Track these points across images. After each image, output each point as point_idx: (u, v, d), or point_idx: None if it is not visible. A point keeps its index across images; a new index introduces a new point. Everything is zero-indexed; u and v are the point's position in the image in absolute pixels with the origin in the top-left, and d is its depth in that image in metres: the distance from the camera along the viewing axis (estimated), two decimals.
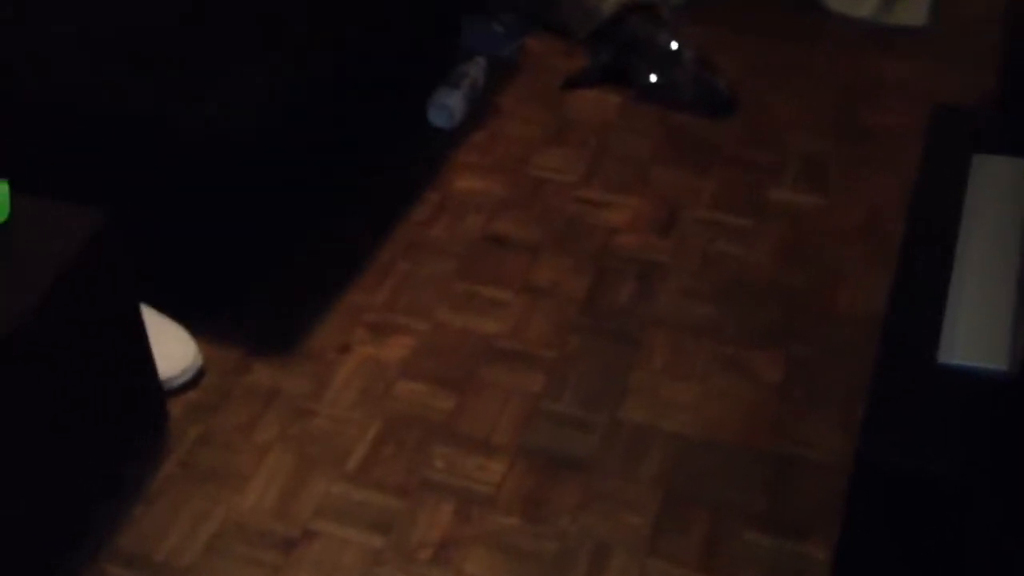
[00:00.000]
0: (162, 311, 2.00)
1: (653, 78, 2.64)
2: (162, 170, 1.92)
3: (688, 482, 1.79)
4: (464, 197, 2.40)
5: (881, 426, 1.31)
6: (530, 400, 1.93)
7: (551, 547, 1.70)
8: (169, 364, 1.92)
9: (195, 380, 1.96)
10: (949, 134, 1.86)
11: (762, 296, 2.14)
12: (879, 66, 2.79)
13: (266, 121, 1.96)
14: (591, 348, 2.03)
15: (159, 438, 1.86)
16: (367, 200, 2.37)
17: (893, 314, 1.45)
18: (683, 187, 2.41)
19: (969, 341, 1.36)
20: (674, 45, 2.63)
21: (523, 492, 1.78)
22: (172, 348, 1.93)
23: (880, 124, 2.59)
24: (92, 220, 1.63)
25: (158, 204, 1.95)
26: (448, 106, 2.57)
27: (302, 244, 2.26)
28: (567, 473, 1.81)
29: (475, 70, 2.67)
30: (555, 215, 2.34)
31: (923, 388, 1.34)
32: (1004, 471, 1.24)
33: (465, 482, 1.80)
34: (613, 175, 2.45)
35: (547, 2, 2.86)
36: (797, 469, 1.81)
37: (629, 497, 1.77)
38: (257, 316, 2.11)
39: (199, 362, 1.97)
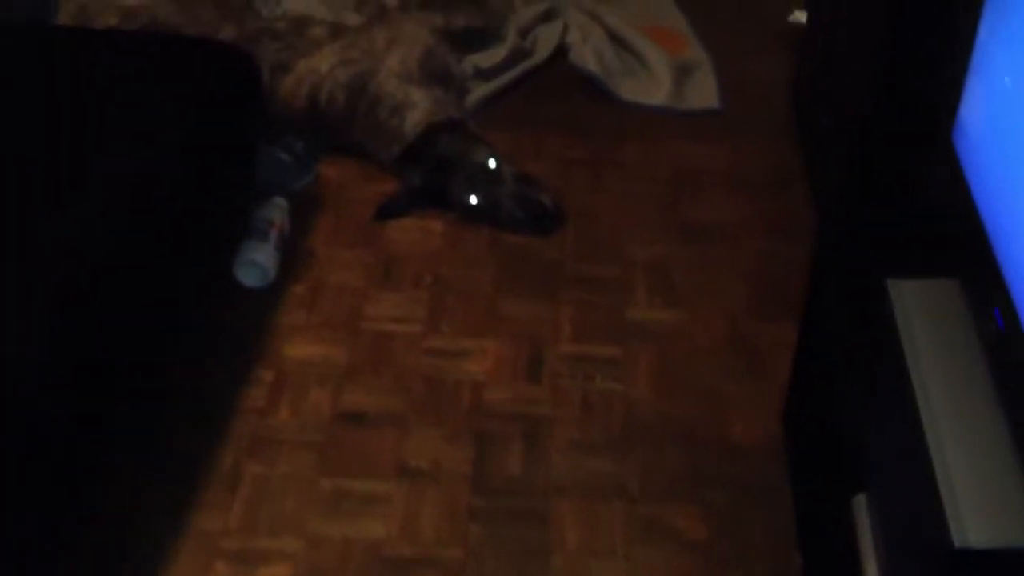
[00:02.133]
0: None
1: (473, 199, 2.44)
2: None
3: None
4: (301, 369, 2.11)
5: None
6: None
7: None
8: None
9: None
10: (831, 260, 1.78)
11: (656, 437, 1.98)
12: (688, 153, 2.72)
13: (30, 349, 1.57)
14: (496, 536, 1.80)
15: None
16: (187, 392, 2.04)
17: (881, 492, 1.32)
18: (537, 320, 2.23)
19: (983, 518, 1.25)
20: (491, 162, 2.45)
21: None
22: None
23: (707, 219, 2.51)
24: None
25: None
26: (259, 262, 2.27)
27: (120, 461, 1.89)
28: None
29: (279, 214, 2.38)
30: (410, 376, 2.10)
31: None
32: None
33: None
34: (459, 316, 2.24)
35: (340, 123, 2.61)
36: None
37: None
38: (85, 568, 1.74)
39: None
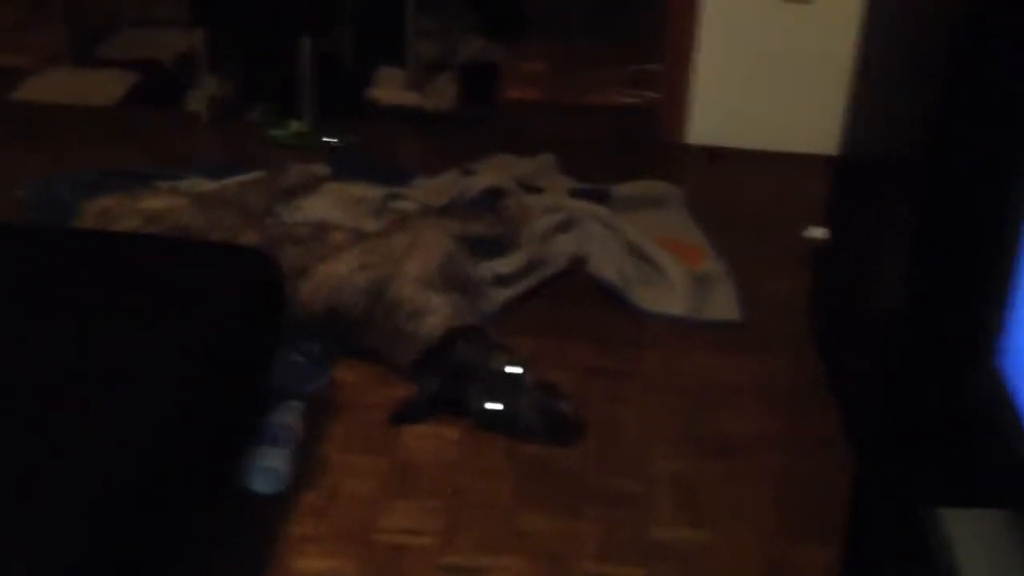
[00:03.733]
0: None
1: (491, 407, 2.39)
2: None
3: None
4: None
5: None
6: None
7: None
8: None
9: None
10: (870, 487, 1.71)
11: None
12: (709, 365, 2.69)
13: None
14: None
15: None
16: None
17: None
18: (560, 536, 2.14)
19: None
20: (509, 369, 2.41)
21: None
22: None
23: (731, 432, 2.46)
24: None
25: None
26: (275, 469, 2.19)
27: None
28: None
29: (294, 418, 2.32)
30: None
31: None
32: None
33: None
34: (477, 530, 2.14)
35: (358, 327, 2.58)
36: None
37: None
38: None
39: None
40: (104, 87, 4.02)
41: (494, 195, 3.24)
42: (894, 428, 1.86)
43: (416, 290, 2.57)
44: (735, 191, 3.54)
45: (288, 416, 2.31)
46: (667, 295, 2.91)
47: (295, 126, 3.71)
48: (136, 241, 2.38)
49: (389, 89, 4.01)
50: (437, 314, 2.52)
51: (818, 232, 3.06)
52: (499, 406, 2.38)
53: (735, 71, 3.69)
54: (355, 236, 2.77)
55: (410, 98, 3.97)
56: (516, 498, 2.23)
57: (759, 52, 3.63)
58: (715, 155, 3.69)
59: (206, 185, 3.24)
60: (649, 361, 2.69)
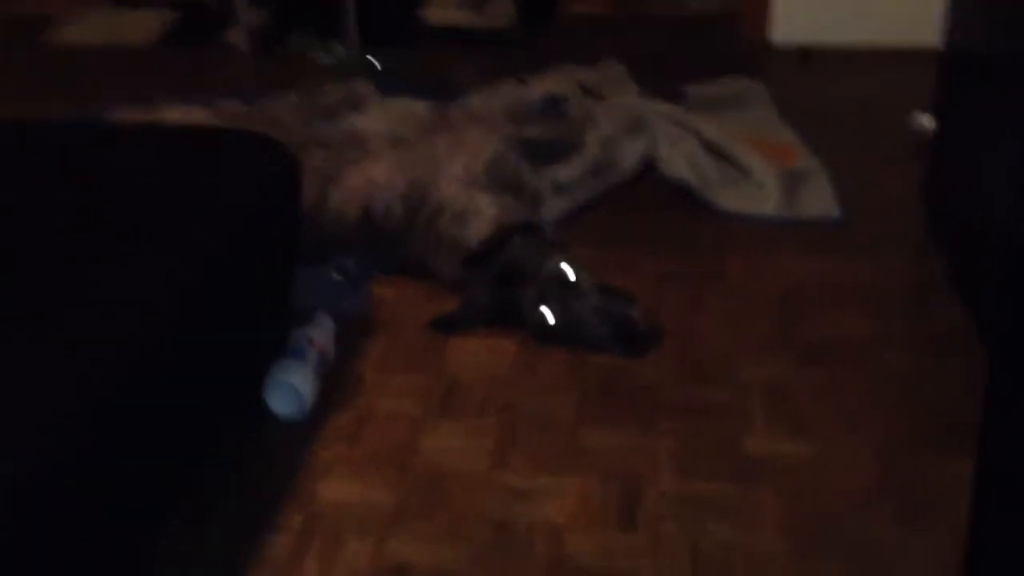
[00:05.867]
0: None
1: (550, 316, 2.05)
2: None
3: None
4: (338, 512, 1.69)
5: None
6: None
7: None
8: None
9: None
10: (1007, 388, 1.33)
11: None
12: (804, 267, 2.31)
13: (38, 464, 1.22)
14: None
15: None
16: (203, 535, 1.62)
17: None
18: (631, 453, 1.79)
19: None
20: (569, 272, 2.07)
21: None
22: None
23: (834, 336, 2.08)
24: None
25: None
26: (294, 385, 1.88)
27: None
28: None
29: (320, 334, 2.01)
30: (473, 521, 1.66)
31: None
32: None
33: None
34: (534, 449, 1.81)
35: (398, 237, 2.27)
36: None
37: None
38: None
39: None
40: (141, 26, 3.78)
41: (555, 103, 2.89)
42: None
43: (460, 190, 2.24)
44: (831, 90, 3.14)
45: (316, 332, 2.01)
46: (753, 195, 2.54)
47: (338, 50, 3.42)
48: (134, 131, 2.10)
49: (440, 9, 3.69)
50: (485, 215, 2.19)
51: (925, 120, 2.66)
52: (557, 315, 2.04)
53: None
54: (392, 141, 2.46)
55: (462, 17, 3.65)
56: (579, 414, 1.89)
57: None
58: (808, 54, 3.29)
59: (239, 108, 2.96)
60: (733, 265, 2.33)
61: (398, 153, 2.37)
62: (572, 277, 2.06)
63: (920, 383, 1.96)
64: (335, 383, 1.97)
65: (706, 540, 1.61)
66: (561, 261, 2.08)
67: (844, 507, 1.67)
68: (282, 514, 1.69)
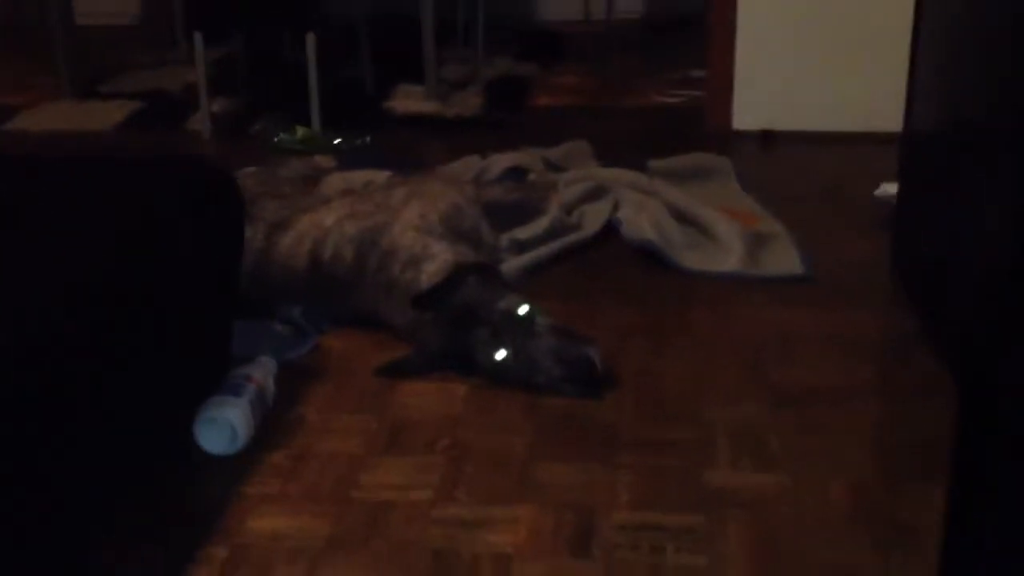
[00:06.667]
0: None
1: (502, 355, 1.94)
2: None
3: None
4: (267, 544, 1.55)
5: None
6: None
7: None
8: None
9: None
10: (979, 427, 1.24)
11: None
12: (773, 319, 2.22)
13: None
14: None
15: None
16: (125, 572, 1.48)
17: None
18: (587, 486, 1.67)
19: None
20: (522, 309, 1.97)
21: None
22: None
23: (807, 382, 1.97)
24: None
25: None
26: (228, 421, 1.76)
27: None
28: None
29: (260, 372, 1.90)
30: (412, 549, 1.52)
31: None
32: None
33: None
34: (483, 483, 1.68)
35: (347, 284, 2.17)
36: None
37: None
38: None
39: None
40: (103, 115, 3.74)
41: (517, 174, 2.85)
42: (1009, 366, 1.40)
43: (415, 237, 2.16)
44: (795, 168, 3.11)
45: (255, 369, 1.90)
46: (717, 254, 2.47)
47: (302, 132, 3.39)
48: (64, 161, 2.03)
49: (407, 100, 3.69)
50: (438, 259, 2.11)
51: (892, 188, 2.62)
52: (510, 354, 1.93)
53: (784, 50, 3.31)
54: (346, 192, 2.39)
55: (430, 107, 3.64)
56: (533, 451, 1.77)
57: (807, 31, 3.27)
58: (771, 135, 3.28)
59: None
60: (698, 317, 2.24)
61: (351, 200, 2.29)
62: (525, 314, 1.96)
63: (894, 424, 1.86)
64: (275, 423, 1.85)
65: (667, 565, 1.47)
66: (516, 300, 1.98)
67: (814, 537, 1.54)
68: (206, 548, 1.54)
